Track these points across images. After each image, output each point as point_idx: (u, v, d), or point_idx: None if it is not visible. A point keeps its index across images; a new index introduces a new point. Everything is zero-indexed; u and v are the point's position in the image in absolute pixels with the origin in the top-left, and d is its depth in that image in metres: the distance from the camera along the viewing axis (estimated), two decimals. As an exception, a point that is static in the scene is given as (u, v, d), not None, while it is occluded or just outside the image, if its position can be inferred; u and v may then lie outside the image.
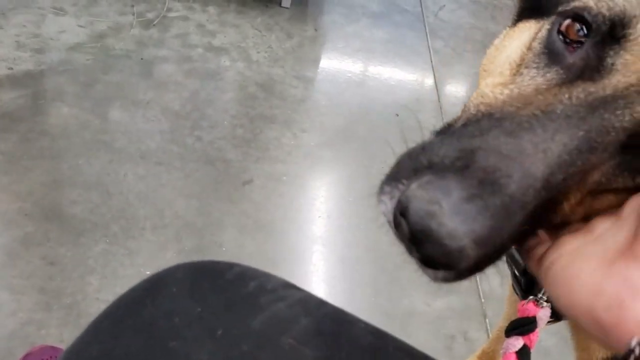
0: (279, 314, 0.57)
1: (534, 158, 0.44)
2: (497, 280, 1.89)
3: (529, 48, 0.55)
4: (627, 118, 0.46)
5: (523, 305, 0.66)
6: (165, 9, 2.76)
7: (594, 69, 0.49)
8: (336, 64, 2.79)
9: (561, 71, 0.51)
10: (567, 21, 0.52)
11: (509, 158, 0.44)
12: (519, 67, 0.55)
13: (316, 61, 2.76)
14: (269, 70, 2.57)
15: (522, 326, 0.62)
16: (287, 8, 3.00)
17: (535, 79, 0.52)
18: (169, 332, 0.53)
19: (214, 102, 2.32)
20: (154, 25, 2.65)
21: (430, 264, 0.44)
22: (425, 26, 3.18)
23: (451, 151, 0.46)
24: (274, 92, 2.45)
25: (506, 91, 0.52)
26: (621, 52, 0.47)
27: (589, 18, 0.49)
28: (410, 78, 2.82)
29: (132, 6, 2.73)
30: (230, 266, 0.63)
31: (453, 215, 0.41)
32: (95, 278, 1.58)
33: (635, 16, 0.47)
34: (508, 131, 0.46)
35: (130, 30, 2.58)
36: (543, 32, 0.54)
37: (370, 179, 2.09)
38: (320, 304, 0.63)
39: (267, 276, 0.65)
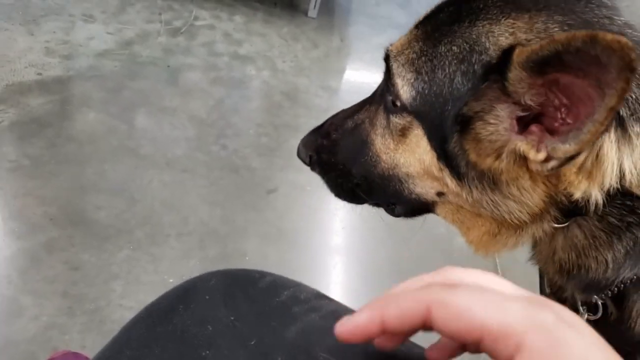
0: (313, 325, 0.56)
1: (340, 118, 0.89)
2: (524, 285, 1.84)
3: None
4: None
5: None
6: (192, 18, 2.79)
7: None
8: (361, 75, 2.78)
9: None
10: None
11: (332, 117, 0.91)
12: None
13: (341, 71, 2.76)
14: (294, 79, 2.57)
15: None
16: (313, 18, 3.00)
17: None
18: (201, 340, 0.51)
19: (240, 111, 2.32)
20: (181, 33, 2.67)
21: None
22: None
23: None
24: (299, 102, 2.44)
25: None
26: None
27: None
28: (436, 90, 2.79)
29: (160, 14, 2.76)
30: (262, 275, 0.62)
31: (302, 140, 0.93)
32: (119, 284, 1.58)
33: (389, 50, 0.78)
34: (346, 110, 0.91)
35: (158, 38, 2.60)
36: None
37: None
38: None
39: (299, 286, 0.64)
